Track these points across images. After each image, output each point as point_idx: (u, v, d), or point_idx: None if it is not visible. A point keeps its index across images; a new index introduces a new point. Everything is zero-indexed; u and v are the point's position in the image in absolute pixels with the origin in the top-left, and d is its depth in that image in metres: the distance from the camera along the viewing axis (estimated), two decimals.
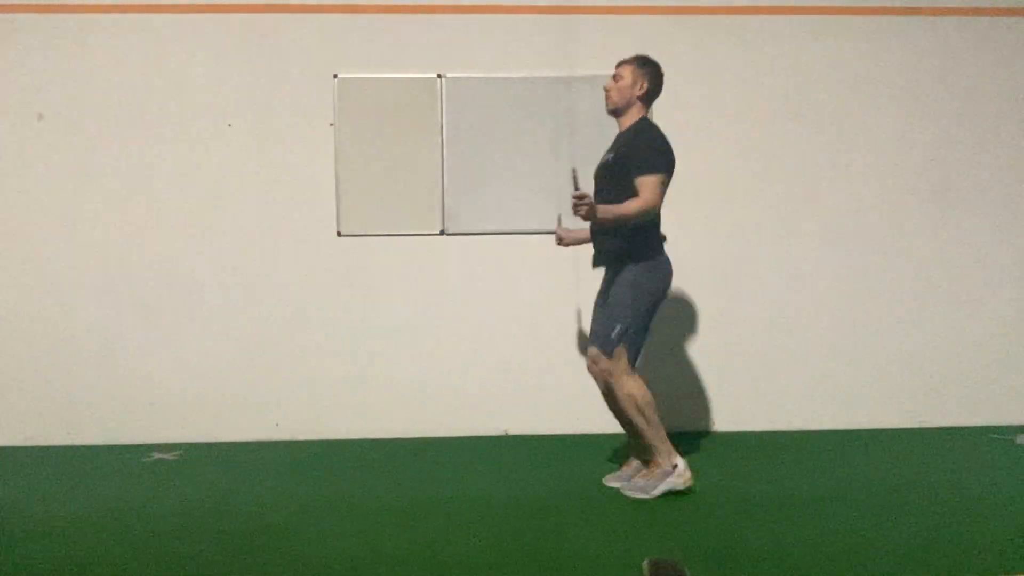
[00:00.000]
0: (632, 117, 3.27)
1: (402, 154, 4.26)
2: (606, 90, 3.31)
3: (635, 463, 3.36)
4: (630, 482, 3.24)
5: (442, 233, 4.29)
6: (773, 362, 4.37)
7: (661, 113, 4.26)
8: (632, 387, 3.17)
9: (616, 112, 3.30)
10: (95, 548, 2.68)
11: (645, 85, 3.25)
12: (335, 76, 4.25)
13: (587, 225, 3.32)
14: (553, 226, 3.71)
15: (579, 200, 3.04)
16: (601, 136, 4.26)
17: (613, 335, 3.18)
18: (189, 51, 4.23)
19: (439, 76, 4.26)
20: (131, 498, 3.24)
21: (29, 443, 4.18)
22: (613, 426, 4.31)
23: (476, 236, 4.29)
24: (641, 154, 3.14)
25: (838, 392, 4.37)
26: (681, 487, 3.15)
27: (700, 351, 4.34)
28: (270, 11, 4.24)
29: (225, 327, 4.25)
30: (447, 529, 2.82)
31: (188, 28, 4.22)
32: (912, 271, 4.39)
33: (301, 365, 4.27)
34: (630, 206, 3.10)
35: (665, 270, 3.24)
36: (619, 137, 3.31)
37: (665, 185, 3.17)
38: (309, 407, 4.27)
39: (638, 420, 3.17)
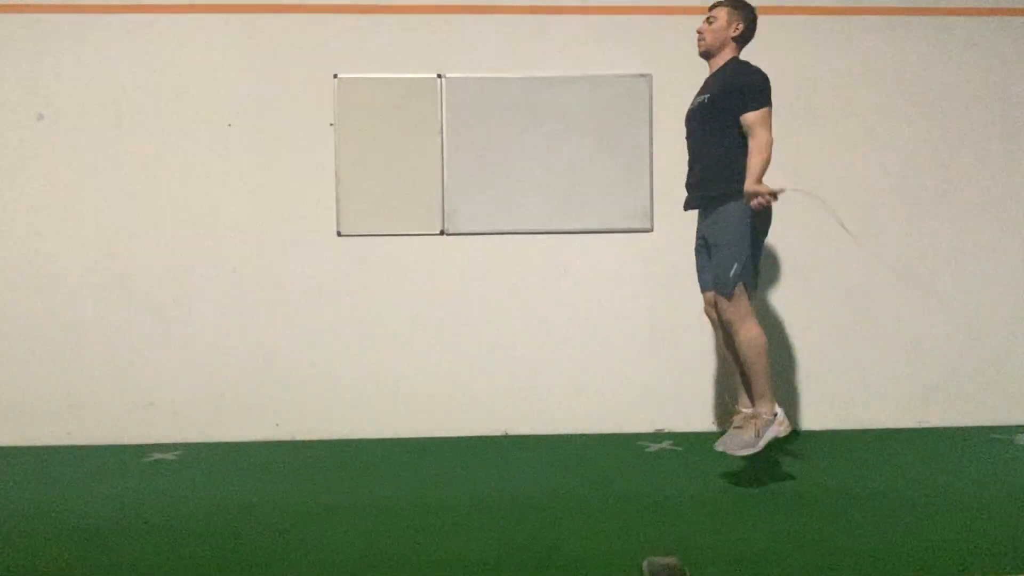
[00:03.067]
0: (724, 58, 3.29)
1: (402, 154, 4.26)
2: (699, 32, 3.33)
3: (742, 413, 3.33)
4: (735, 439, 3.21)
5: (442, 233, 4.29)
6: (772, 362, 4.35)
7: (661, 113, 4.27)
8: (756, 331, 3.19)
9: (708, 54, 3.32)
10: (95, 548, 2.68)
11: (740, 26, 3.27)
12: (335, 76, 4.25)
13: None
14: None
15: (761, 200, 3.08)
16: (601, 136, 4.28)
17: (731, 275, 3.17)
18: (189, 51, 4.23)
19: (439, 76, 4.26)
20: (131, 498, 3.24)
21: (29, 443, 4.18)
22: (613, 426, 4.33)
23: (476, 236, 4.29)
24: (745, 91, 3.15)
25: (838, 392, 4.37)
26: (783, 434, 3.20)
27: (698, 351, 4.34)
28: (270, 11, 4.24)
29: (225, 327, 4.25)
30: (447, 529, 2.82)
31: (188, 28, 4.22)
32: (912, 270, 4.39)
33: (301, 365, 4.27)
34: (758, 157, 3.10)
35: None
36: (712, 78, 3.31)
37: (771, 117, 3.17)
38: (309, 407, 4.27)
39: (757, 364, 3.18)
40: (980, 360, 4.40)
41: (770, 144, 3.13)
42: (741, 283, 3.19)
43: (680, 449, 3.94)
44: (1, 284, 4.20)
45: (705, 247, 3.36)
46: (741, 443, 3.21)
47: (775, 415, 3.20)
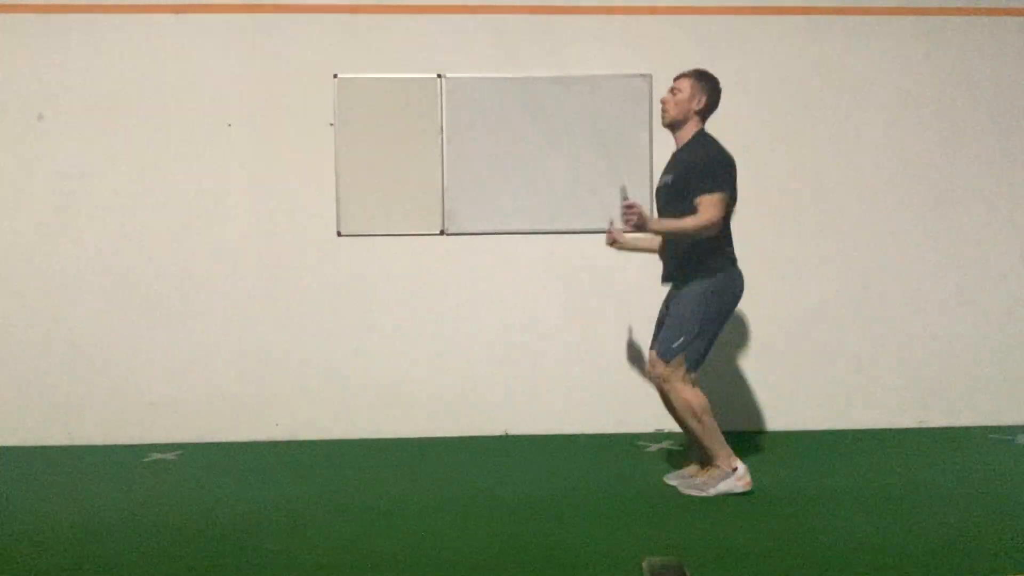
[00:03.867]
0: (689, 131, 3.26)
1: (402, 154, 4.26)
2: (663, 103, 3.30)
3: (695, 466, 3.35)
4: (688, 480, 3.27)
5: (442, 233, 4.29)
6: (772, 362, 4.37)
7: (659, 113, 4.26)
8: (687, 394, 3.17)
9: (673, 126, 3.30)
10: (95, 548, 2.68)
11: (703, 99, 3.24)
12: (335, 76, 4.25)
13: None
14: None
15: (628, 210, 3.06)
16: (601, 136, 4.28)
17: (675, 345, 3.17)
18: (189, 51, 4.23)
19: (439, 76, 4.26)
20: (131, 498, 3.24)
21: (29, 443, 4.18)
22: (612, 426, 4.33)
23: (476, 236, 4.29)
24: (700, 172, 3.13)
25: (838, 392, 4.37)
26: (740, 490, 3.15)
27: None
28: (270, 11, 4.24)
29: (225, 327, 4.25)
30: (447, 529, 2.82)
31: (188, 28, 4.22)
32: (912, 271, 4.39)
33: (301, 365, 4.27)
34: (687, 221, 3.09)
35: (735, 285, 3.22)
36: (676, 155, 3.30)
37: (727, 202, 3.14)
38: (309, 407, 4.27)
39: (695, 426, 3.18)
40: (980, 360, 4.40)
41: (708, 227, 3.09)
42: (682, 355, 3.17)
43: (680, 449, 3.94)
44: (1, 284, 4.20)
45: (666, 311, 3.33)
46: (690, 484, 3.23)
47: (734, 469, 3.17)
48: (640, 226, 3.11)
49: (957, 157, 4.40)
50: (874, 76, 4.37)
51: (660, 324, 3.36)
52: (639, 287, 4.32)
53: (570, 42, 4.31)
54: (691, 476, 3.30)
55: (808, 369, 4.37)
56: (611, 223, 3.50)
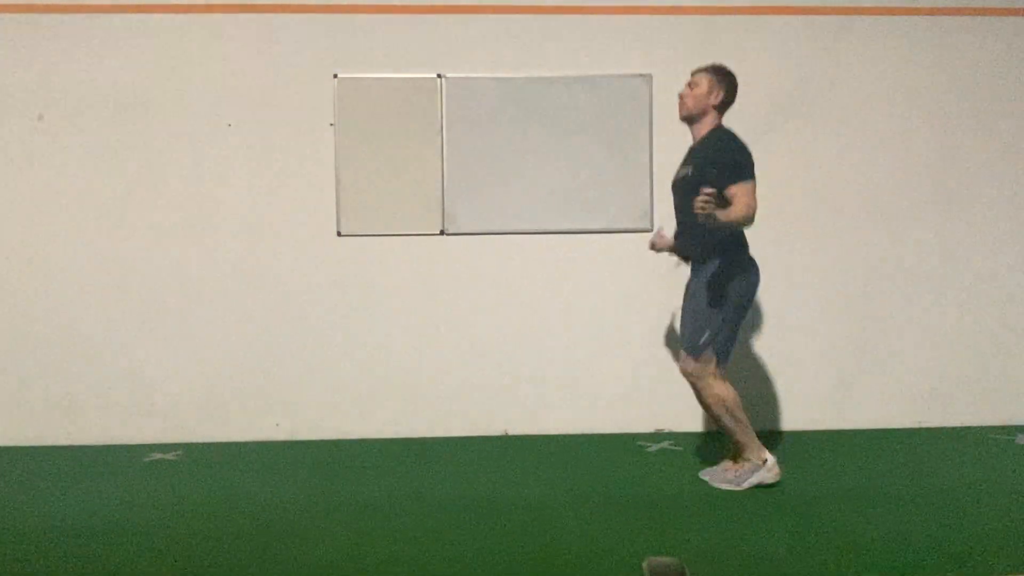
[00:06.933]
0: (707, 126, 3.28)
1: (402, 154, 4.26)
2: (681, 97, 3.32)
3: (728, 461, 3.39)
4: (722, 474, 3.31)
5: (442, 233, 4.29)
6: (772, 362, 4.37)
7: (661, 113, 4.27)
8: (719, 389, 3.22)
9: (690, 120, 3.32)
10: (95, 548, 2.68)
11: (721, 94, 3.27)
12: (335, 76, 4.25)
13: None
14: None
15: (708, 197, 2.97)
16: (601, 136, 4.28)
17: (701, 341, 3.20)
18: (189, 51, 4.23)
19: (439, 76, 4.26)
20: (131, 498, 3.24)
21: (29, 443, 4.18)
22: (613, 426, 4.33)
23: (476, 236, 4.29)
24: (726, 165, 3.14)
25: (838, 392, 4.37)
26: (770, 480, 3.22)
27: None
28: (270, 11, 4.24)
29: (225, 327, 4.25)
30: (447, 529, 2.82)
31: (188, 28, 4.22)
32: (912, 271, 4.39)
33: (301, 365, 4.27)
34: (735, 212, 3.08)
35: (752, 273, 3.25)
36: (695, 149, 3.31)
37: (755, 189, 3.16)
38: (309, 407, 4.27)
39: (727, 420, 3.23)
40: (980, 360, 4.40)
41: (752, 215, 3.10)
42: (710, 349, 3.20)
43: (680, 449, 3.94)
44: (1, 284, 4.20)
45: (690, 306, 3.35)
46: (724, 478, 3.29)
47: (764, 461, 3.23)
48: (710, 215, 3.04)
49: (957, 157, 4.40)
50: (874, 76, 4.37)
51: (682, 319, 3.39)
52: (639, 287, 4.32)
53: (570, 42, 4.31)
54: (724, 471, 3.34)
55: (808, 369, 4.37)
56: (661, 228, 3.59)
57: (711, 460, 3.66)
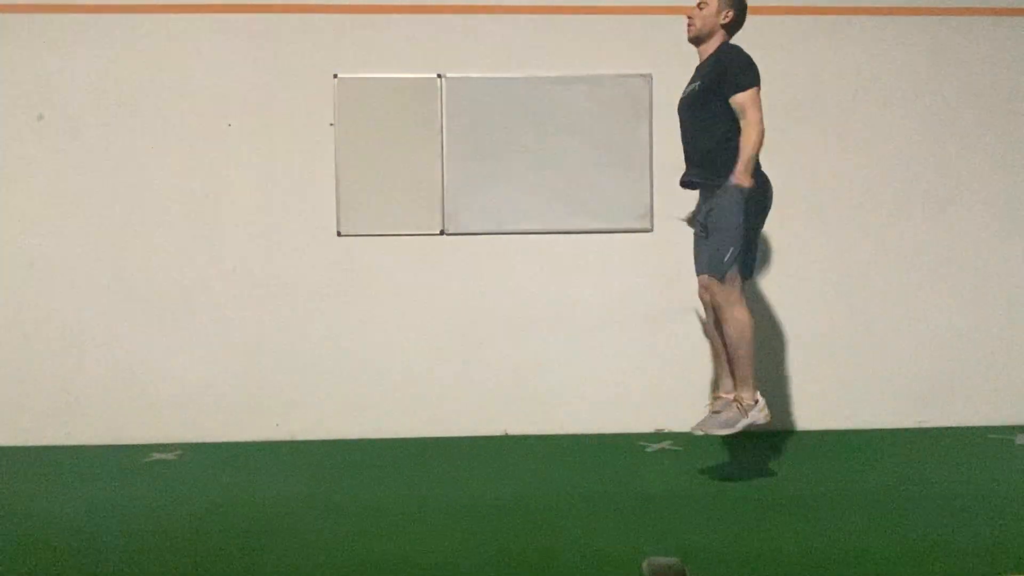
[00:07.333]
0: (713, 45, 3.30)
1: (402, 154, 4.26)
2: (689, 17, 3.33)
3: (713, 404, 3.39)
4: (712, 418, 3.27)
5: (442, 233, 4.29)
6: (772, 362, 4.37)
7: (661, 113, 4.27)
8: (743, 315, 3.22)
9: (698, 39, 3.33)
10: (95, 548, 2.68)
11: (731, 14, 3.28)
12: (335, 76, 4.25)
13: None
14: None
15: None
16: (601, 136, 4.28)
17: (726, 259, 3.19)
18: (189, 51, 4.23)
19: (439, 76, 4.26)
20: (131, 498, 3.24)
21: (29, 443, 4.18)
22: (613, 426, 4.33)
23: (476, 236, 4.29)
24: (733, 73, 3.16)
25: (837, 392, 4.37)
26: (762, 421, 3.23)
27: (698, 351, 4.33)
28: (270, 11, 4.24)
29: (225, 327, 4.25)
30: (446, 529, 2.82)
31: (188, 28, 4.22)
32: (912, 271, 4.39)
33: (301, 365, 4.27)
34: (748, 140, 3.11)
35: (763, 183, 3.24)
36: (701, 66, 3.34)
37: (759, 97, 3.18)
38: (309, 407, 4.27)
39: (742, 348, 3.21)
40: (980, 360, 4.40)
41: (760, 123, 3.13)
42: (735, 268, 3.21)
43: (680, 449, 3.94)
44: (1, 284, 4.20)
45: (704, 232, 3.36)
46: (720, 423, 3.25)
47: (756, 402, 3.23)
48: (745, 173, 3.11)
49: (957, 157, 4.40)
50: (874, 76, 4.37)
51: (698, 247, 3.40)
52: (639, 287, 4.32)
53: (570, 42, 4.31)
54: (715, 415, 3.29)
55: (808, 369, 4.37)
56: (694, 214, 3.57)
57: (711, 460, 3.67)
